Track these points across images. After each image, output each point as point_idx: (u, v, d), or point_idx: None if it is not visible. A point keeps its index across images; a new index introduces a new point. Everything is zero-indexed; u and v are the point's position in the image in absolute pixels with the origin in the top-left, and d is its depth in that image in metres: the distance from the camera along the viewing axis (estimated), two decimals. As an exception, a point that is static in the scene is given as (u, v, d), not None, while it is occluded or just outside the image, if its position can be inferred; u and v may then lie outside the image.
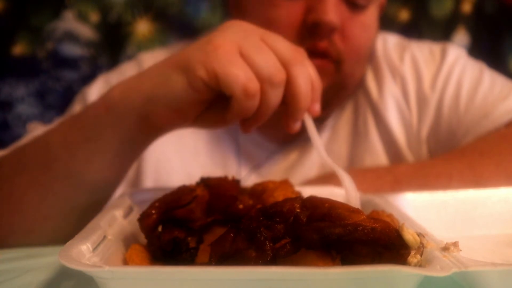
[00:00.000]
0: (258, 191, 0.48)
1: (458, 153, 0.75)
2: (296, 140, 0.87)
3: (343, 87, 0.81)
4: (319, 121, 0.86)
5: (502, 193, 0.59)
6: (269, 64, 0.52)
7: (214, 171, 0.55)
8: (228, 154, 0.87)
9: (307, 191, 0.47)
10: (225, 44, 0.52)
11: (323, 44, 0.73)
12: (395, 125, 0.85)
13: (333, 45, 0.74)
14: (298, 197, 0.39)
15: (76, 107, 0.87)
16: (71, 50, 1.56)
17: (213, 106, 0.58)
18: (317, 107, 0.58)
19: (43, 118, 1.57)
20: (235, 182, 0.49)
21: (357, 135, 0.87)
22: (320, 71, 0.72)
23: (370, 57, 0.89)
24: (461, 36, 1.71)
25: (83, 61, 1.57)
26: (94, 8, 1.53)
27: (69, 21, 1.54)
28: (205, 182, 0.48)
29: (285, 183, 0.49)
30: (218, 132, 0.87)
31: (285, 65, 0.53)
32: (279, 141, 0.88)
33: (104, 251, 0.41)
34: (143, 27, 1.58)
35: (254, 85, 0.52)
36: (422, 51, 0.88)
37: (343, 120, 0.88)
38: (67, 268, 0.35)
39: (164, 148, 0.84)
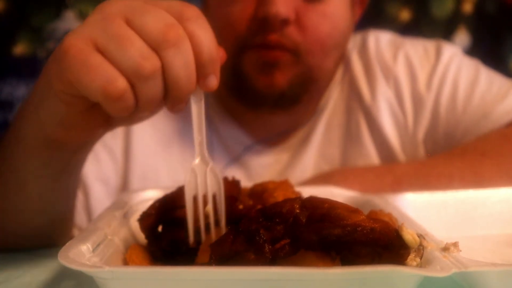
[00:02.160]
0: (258, 191, 0.48)
1: (459, 152, 0.74)
2: (287, 142, 0.86)
3: (312, 79, 0.79)
4: (302, 117, 0.86)
5: (502, 193, 0.59)
6: (133, 55, 0.43)
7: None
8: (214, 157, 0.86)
9: (306, 191, 0.47)
10: (75, 44, 0.43)
11: (273, 37, 0.73)
12: (388, 129, 0.84)
13: (287, 37, 0.73)
14: (298, 197, 0.39)
15: None
16: (72, 50, 1.56)
17: None
18: (211, 81, 0.46)
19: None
20: (236, 183, 0.49)
21: (350, 138, 0.86)
22: (278, 63, 0.74)
23: (362, 56, 0.88)
24: (462, 36, 1.71)
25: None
26: (95, 7, 1.53)
27: (69, 21, 1.54)
28: (205, 182, 0.48)
29: (285, 183, 0.49)
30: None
31: (157, 50, 0.44)
32: (268, 143, 0.87)
33: (104, 252, 0.41)
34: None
35: (116, 86, 0.42)
36: (416, 50, 0.87)
37: (335, 124, 0.87)
38: (67, 268, 0.35)
39: (151, 158, 0.83)
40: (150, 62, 0.43)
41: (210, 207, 0.45)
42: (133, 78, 0.43)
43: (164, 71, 0.44)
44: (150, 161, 0.83)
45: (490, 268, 0.36)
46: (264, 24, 0.72)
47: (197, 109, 0.47)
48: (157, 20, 0.44)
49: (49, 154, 0.54)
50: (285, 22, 0.72)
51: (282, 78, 0.75)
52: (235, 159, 0.86)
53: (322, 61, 0.79)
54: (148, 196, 0.56)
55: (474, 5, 1.71)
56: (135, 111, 0.45)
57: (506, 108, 0.78)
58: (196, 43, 0.45)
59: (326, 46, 0.78)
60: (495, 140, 0.74)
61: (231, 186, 0.48)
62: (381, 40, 0.89)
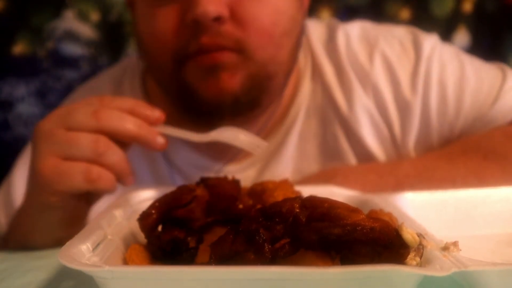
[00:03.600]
0: (258, 191, 0.48)
1: (461, 153, 0.71)
2: (252, 157, 0.79)
3: (268, 76, 0.69)
4: (269, 128, 0.79)
5: (502, 192, 0.59)
6: (84, 144, 0.56)
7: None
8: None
9: (306, 191, 0.47)
10: (45, 164, 0.57)
11: (206, 40, 0.64)
12: (370, 141, 0.77)
13: (223, 36, 0.64)
14: (298, 197, 0.39)
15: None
16: (72, 49, 1.56)
17: None
18: (156, 115, 0.61)
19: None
20: (235, 182, 0.49)
21: (327, 152, 0.78)
22: (220, 64, 0.65)
23: (332, 58, 0.79)
24: (462, 35, 1.71)
25: (83, 61, 1.57)
26: (95, 7, 1.53)
27: (69, 21, 1.54)
28: (205, 182, 0.48)
29: (285, 183, 0.49)
30: (160, 171, 0.81)
31: (98, 130, 0.57)
32: (226, 159, 0.79)
33: (104, 251, 0.41)
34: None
35: (92, 171, 0.56)
36: (392, 46, 0.79)
37: (309, 135, 0.79)
38: (67, 268, 0.35)
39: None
40: (101, 141, 0.57)
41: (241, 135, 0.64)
42: (97, 158, 0.57)
43: (117, 137, 0.58)
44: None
45: (490, 268, 0.36)
46: (194, 29, 0.64)
47: (168, 130, 0.62)
48: (85, 112, 0.58)
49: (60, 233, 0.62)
50: (218, 20, 0.63)
51: (230, 81, 0.66)
52: None
53: (275, 52, 0.69)
54: (148, 196, 0.56)
55: (474, 4, 1.71)
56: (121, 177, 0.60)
57: (502, 110, 0.74)
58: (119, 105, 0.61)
59: (274, 36, 0.68)
60: (498, 140, 0.71)
61: (231, 186, 0.48)
62: (351, 36, 0.80)
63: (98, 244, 0.41)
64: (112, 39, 1.58)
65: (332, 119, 0.78)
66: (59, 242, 0.59)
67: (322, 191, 0.55)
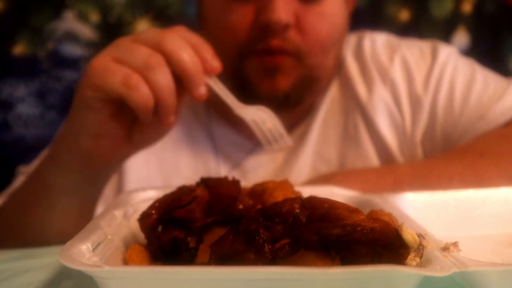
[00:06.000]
0: (258, 191, 0.48)
1: (458, 153, 0.75)
2: None
3: (314, 80, 0.80)
4: (298, 116, 0.87)
5: (502, 193, 0.59)
6: (139, 54, 0.57)
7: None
8: (209, 163, 0.87)
9: (307, 191, 0.47)
10: (98, 60, 0.59)
11: (275, 42, 0.74)
12: (385, 131, 0.84)
13: (288, 41, 0.74)
14: (298, 197, 0.39)
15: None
16: (72, 50, 1.57)
17: (139, 125, 0.63)
18: (214, 64, 0.61)
19: (44, 118, 1.57)
20: (235, 183, 0.49)
21: (348, 138, 0.86)
22: (280, 67, 0.75)
23: (358, 58, 0.88)
24: (461, 36, 1.72)
25: (83, 61, 1.58)
26: (95, 8, 1.53)
27: (69, 21, 1.55)
28: (205, 183, 0.48)
29: (285, 183, 0.49)
30: (198, 142, 0.87)
31: (158, 48, 0.58)
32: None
33: (104, 251, 0.41)
34: (143, 27, 1.59)
35: (133, 78, 0.56)
36: (412, 51, 0.87)
37: (331, 124, 0.87)
38: (67, 268, 0.35)
39: (145, 166, 0.84)
40: (154, 55, 0.57)
41: (270, 123, 0.65)
42: (144, 71, 0.57)
43: (170, 60, 0.58)
44: (144, 171, 0.84)
45: (490, 268, 0.36)
46: (265, 30, 0.73)
47: (215, 85, 0.61)
48: (153, 33, 0.59)
49: (80, 170, 0.64)
50: (285, 27, 0.72)
51: (285, 82, 0.76)
52: (236, 164, 0.86)
53: (323, 60, 0.80)
54: (148, 196, 0.56)
55: (474, 5, 1.72)
56: (156, 115, 0.59)
57: (501, 109, 0.78)
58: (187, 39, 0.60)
59: (326, 46, 0.79)
60: (494, 140, 0.75)
61: (231, 186, 0.48)
62: (376, 42, 0.89)
63: (98, 244, 0.41)
64: (112, 40, 1.58)
65: (353, 108, 0.86)
66: (60, 232, 0.60)
67: (322, 191, 0.55)
